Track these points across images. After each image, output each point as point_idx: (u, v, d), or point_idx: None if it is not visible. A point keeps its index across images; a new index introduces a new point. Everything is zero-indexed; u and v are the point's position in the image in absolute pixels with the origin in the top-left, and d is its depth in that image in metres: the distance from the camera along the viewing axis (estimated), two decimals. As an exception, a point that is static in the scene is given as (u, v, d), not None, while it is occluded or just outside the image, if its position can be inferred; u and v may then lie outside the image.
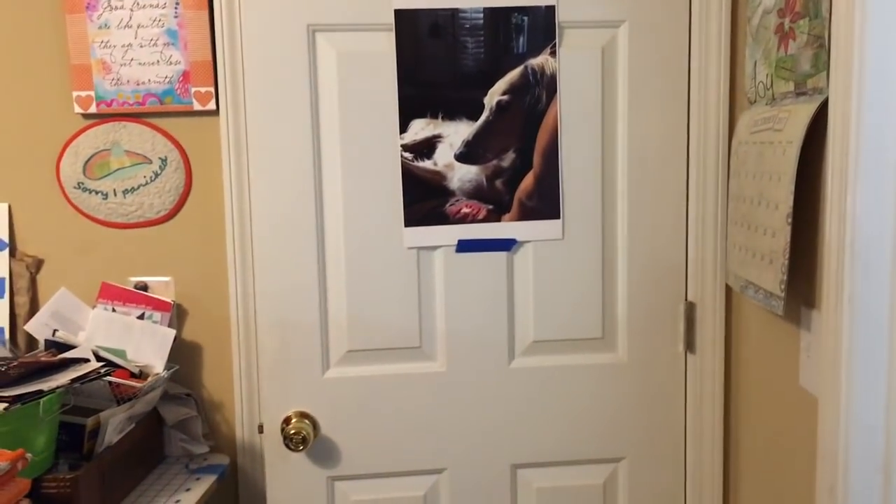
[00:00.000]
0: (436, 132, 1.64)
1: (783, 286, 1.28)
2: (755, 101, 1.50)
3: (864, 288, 1.11)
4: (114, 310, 1.65)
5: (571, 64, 1.64)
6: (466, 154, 1.65)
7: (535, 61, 1.63)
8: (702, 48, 1.64)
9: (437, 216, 1.66)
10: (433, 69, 1.62)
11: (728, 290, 1.70)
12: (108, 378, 1.45)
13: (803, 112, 1.25)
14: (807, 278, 1.33)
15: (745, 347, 1.64)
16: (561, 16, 1.62)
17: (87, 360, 1.45)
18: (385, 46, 1.62)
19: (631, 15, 1.64)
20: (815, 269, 1.29)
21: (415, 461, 1.73)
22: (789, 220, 1.26)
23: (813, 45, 1.24)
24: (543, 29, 1.62)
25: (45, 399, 1.29)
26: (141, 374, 1.56)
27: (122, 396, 1.50)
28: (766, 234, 1.35)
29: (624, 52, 1.66)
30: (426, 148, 1.65)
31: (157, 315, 1.65)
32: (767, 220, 1.35)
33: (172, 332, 1.62)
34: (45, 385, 1.30)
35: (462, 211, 1.67)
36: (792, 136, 1.26)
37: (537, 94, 1.64)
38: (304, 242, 1.65)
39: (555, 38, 1.63)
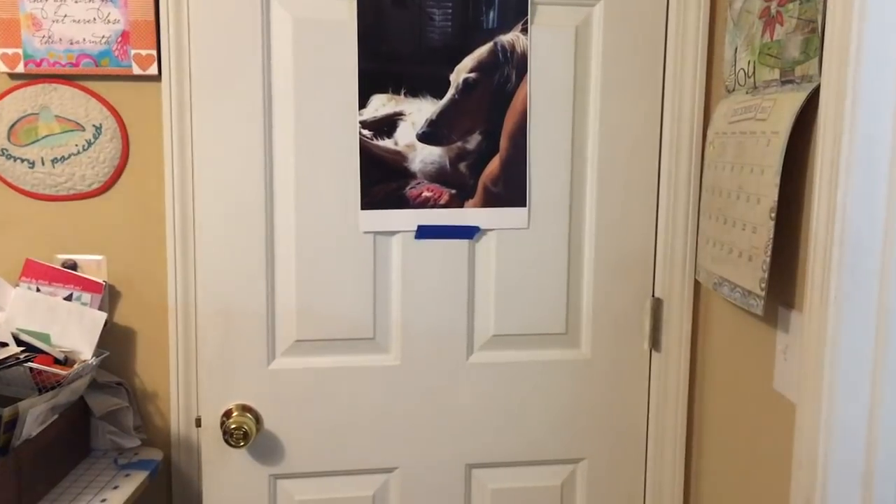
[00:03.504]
0: (397, 109, 1.54)
1: (764, 284, 1.21)
2: (734, 90, 1.43)
3: (852, 288, 1.05)
4: (38, 289, 1.52)
5: (543, 42, 1.55)
6: (430, 134, 1.55)
7: (505, 38, 1.54)
8: (679, 31, 1.57)
9: (395, 199, 1.56)
10: (397, 41, 1.52)
11: (697, 286, 1.63)
12: (29, 364, 1.33)
13: (790, 101, 1.18)
14: (786, 276, 1.26)
15: (713, 347, 1.58)
16: (534, -9, 1.53)
17: (5, 345, 1.34)
18: (345, 14, 1.51)
19: (607, -6, 1.56)
20: (797, 266, 1.23)
21: (364, 459, 1.63)
22: (773, 214, 1.19)
23: (803, 29, 1.17)
24: (515, 4, 1.53)
25: (-47, 387, 1.17)
26: (66, 361, 1.44)
27: (44, 384, 1.37)
28: (746, 230, 1.28)
29: (598, 33, 1.57)
30: (386, 126, 1.54)
31: (87, 296, 1.53)
32: (747, 214, 1.28)
33: (103, 316, 1.49)
34: (-46, 372, 1.18)
35: (423, 195, 1.57)
36: (777, 126, 1.19)
37: (507, 73, 1.55)
38: (251, 223, 1.54)
39: (527, 15, 1.53)
